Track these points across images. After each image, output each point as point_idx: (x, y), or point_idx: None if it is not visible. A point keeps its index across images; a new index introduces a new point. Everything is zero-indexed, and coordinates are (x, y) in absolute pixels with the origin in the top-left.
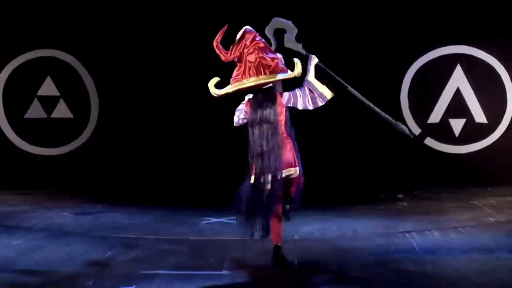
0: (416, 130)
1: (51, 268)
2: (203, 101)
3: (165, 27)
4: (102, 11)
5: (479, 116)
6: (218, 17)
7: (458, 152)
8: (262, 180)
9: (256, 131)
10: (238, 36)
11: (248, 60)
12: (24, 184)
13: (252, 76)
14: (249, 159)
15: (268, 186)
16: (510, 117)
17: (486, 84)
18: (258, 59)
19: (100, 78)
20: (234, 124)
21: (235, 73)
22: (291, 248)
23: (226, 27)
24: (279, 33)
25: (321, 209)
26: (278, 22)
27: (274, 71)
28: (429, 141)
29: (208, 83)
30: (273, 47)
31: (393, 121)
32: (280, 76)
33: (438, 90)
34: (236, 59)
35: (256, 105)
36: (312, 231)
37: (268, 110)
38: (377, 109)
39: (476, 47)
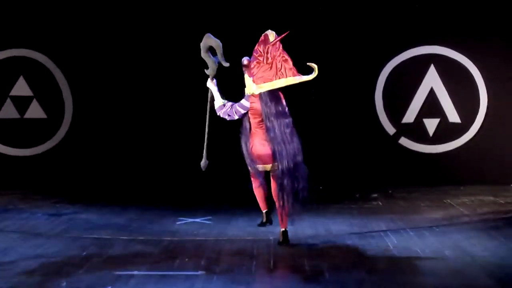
0: (391, 130)
1: (25, 269)
2: (176, 100)
3: (139, 26)
4: (75, 11)
5: (453, 116)
6: (196, 13)
7: (432, 152)
8: (286, 166)
9: (275, 123)
10: (263, 38)
11: (276, 63)
12: None
13: (282, 78)
14: (250, 149)
15: (292, 171)
16: (483, 117)
17: (459, 84)
18: (282, 62)
19: (73, 78)
20: (228, 119)
21: (261, 73)
22: (265, 248)
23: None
24: (212, 51)
25: None
26: (210, 39)
27: (296, 73)
28: (404, 141)
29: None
30: (212, 67)
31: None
32: (304, 78)
33: (412, 90)
34: (261, 59)
35: (268, 100)
36: None
37: (279, 104)
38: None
39: (449, 47)
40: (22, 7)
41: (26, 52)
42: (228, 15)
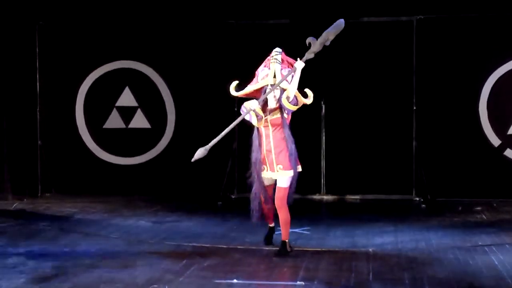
0: (496, 142)
1: (128, 274)
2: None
3: (241, 41)
4: (179, 24)
5: None
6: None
7: None
8: None
9: None
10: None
11: None
12: (103, 192)
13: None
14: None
15: None
16: None
17: None
18: None
19: (176, 89)
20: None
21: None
22: (364, 260)
23: None
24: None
25: (394, 221)
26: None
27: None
28: (509, 153)
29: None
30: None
31: None
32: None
33: None
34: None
35: None
36: (385, 243)
37: None
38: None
39: None
40: (128, 21)
41: (132, 64)
42: None
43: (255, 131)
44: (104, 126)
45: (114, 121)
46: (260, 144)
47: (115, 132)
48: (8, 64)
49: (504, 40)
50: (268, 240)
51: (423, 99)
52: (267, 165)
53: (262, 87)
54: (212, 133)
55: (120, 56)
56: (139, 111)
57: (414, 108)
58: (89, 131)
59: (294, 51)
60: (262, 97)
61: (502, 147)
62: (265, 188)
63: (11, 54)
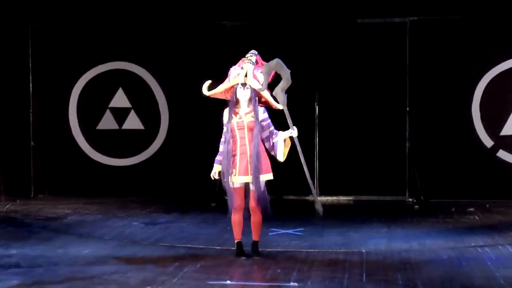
0: (489, 143)
1: (120, 277)
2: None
3: (234, 42)
4: (172, 26)
5: None
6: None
7: None
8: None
9: None
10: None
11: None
12: (97, 193)
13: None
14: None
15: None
16: None
17: None
18: None
19: (170, 90)
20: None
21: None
22: (357, 260)
23: None
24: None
25: (388, 222)
26: (279, 66)
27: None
28: (502, 154)
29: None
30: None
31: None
32: (274, 105)
33: (511, 102)
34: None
35: None
36: (379, 244)
37: None
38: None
39: None
40: (122, 22)
41: (125, 65)
42: None
43: (226, 136)
44: (97, 127)
45: (107, 122)
46: (233, 149)
47: (109, 133)
48: (1, 65)
49: (496, 41)
50: (242, 253)
51: (416, 100)
52: (237, 169)
53: (233, 86)
54: (205, 135)
55: (113, 57)
56: (132, 112)
57: (407, 109)
58: (82, 132)
59: (287, 51)
60: (232, 100)
61: (494, 148)
62: (234, 193)
63: (4, 55)
